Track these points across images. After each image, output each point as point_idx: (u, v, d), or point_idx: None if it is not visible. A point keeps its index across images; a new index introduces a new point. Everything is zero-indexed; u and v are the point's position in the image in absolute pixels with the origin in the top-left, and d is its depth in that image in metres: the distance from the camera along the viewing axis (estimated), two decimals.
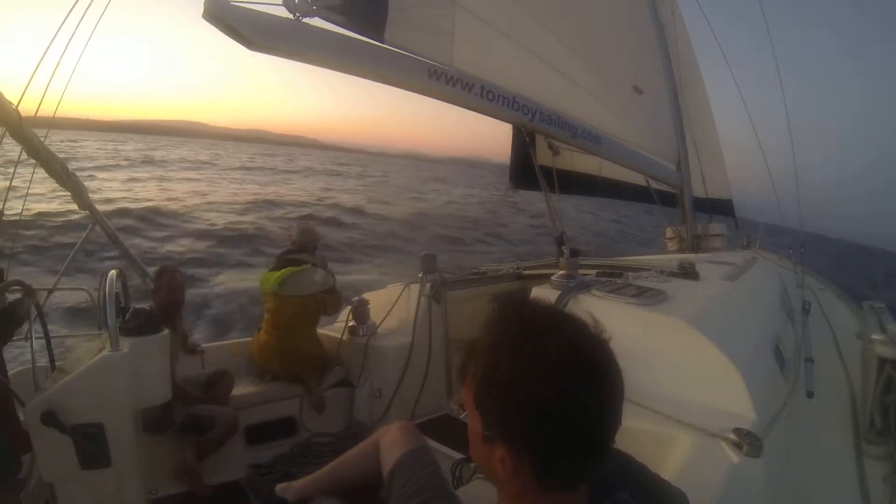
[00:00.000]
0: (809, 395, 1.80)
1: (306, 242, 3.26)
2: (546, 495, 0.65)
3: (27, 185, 2.37)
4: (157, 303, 2.54)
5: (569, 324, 0.65)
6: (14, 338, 2.13)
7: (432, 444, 1.57)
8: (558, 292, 1.85)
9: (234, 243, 12.53)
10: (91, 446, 1.78)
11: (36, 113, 2.02)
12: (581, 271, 2.11)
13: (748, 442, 1.16)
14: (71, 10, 1.85)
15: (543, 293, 1.90)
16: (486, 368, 0.63)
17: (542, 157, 3.71)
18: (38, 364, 2.19)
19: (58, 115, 2.13)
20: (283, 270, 3.02)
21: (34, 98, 1.94)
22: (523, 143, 3.72)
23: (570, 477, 0.64)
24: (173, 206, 16.65)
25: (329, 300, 3.15)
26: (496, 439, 0.63)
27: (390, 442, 1.40)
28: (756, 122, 5.10)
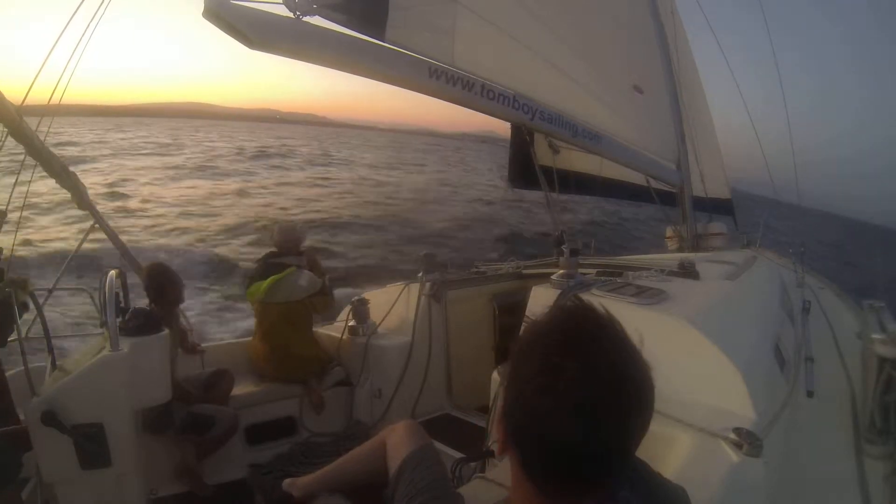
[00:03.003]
0: (809, 394, 1.80)
1: (288, 243, 3.15)
2: (538, 494, 0.66)
3: (27, 184, 2.37)
4: (154, 303, 2.53)
5: (604, 352, 0.60)
6: (10, 337, 2.12)
7: (434, 443, 1.58)
8: (558, 292, 1.85)
9: None
10: (91, 446, 1.77)
11: (49, 100, 2.01)
12: (581, 270, 2.12)
13: (748, 442, 1.16)
14: (77, 8, 1.85)
15: (543, 292, 1.90)
16: (517, 358, 0.64)
17: (542, 156, 3.71)
18: (38, 364, 2.18)
19: (62, 102, 2.13)
20: (267, 280, 2.95)
21: (39, 89, 1.94)
22: (523, 142, 3.72)
23: (550, 482, 0.64)
24: None
25: (318, 301, 3.08)
26: (501, 421, 0.66)
27: (397, 441, 1.40)
28: (756, 109, 5.08)
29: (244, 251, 11.03)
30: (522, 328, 0.69)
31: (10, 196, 2.21)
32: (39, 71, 1.86)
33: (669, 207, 4.13)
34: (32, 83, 1.87)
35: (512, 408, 0.63)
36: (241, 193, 19.36)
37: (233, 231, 13.32)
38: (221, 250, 11.26)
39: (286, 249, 3.14)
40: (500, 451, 0.67)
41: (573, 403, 0.57)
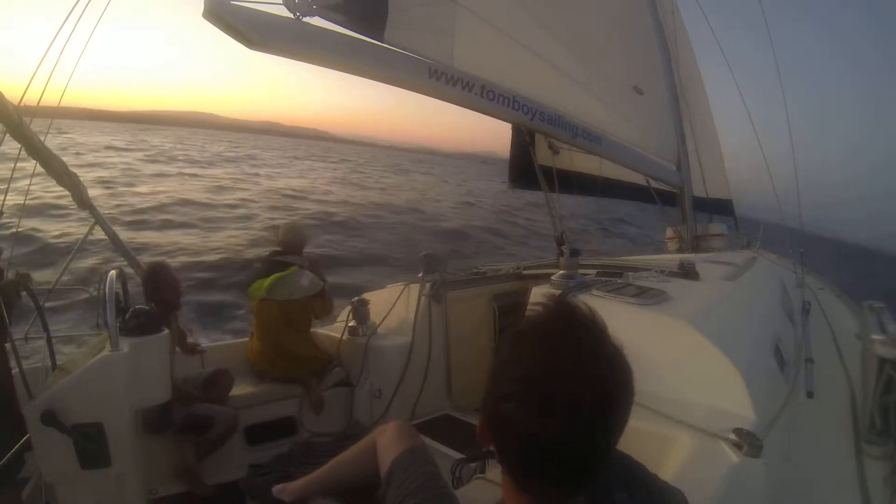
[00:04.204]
0: (809, 395, 1.80)
1: (293, 243, 3.16)
2: (517, 489, 0.66)
3: (27, 184, 2.38)
4: (155, 301, 2.52)
5: (572, 348, 0.60)
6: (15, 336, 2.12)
7: (432, 444, 1.58)
8: (558, 292, 1.85)
9: None
10: (91, 446, 1.78)
11: (39, 101, 2.01)
12: (581, 271, 2.12)
13: (748, 442, 1.16)
14: (76, 4, 1.85)
15: (543, 293, 1.90)
16: (491, 368, 0.65)
17: (542, 156, 3.71)
18: (38, 364, 2.19)
19: (67, 105, 2.12)
20: (270, 278, 2.95)
21: (37, 90, 1.94)
22: (523, 143, 3.72)
23: (523, 476, 0.65)
24: None
25: (318, 304, 3.09)
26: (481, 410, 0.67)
27: (387, 442, 1.40)
28: (756, 124, 5.09)
29: None
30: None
31: (6, 194, 2.21)
32: (38, 68, 1.86)
33: (669, 207, 4.13)
34: (30, 81, 1.87)
35: (485, 396, 0.65)
36: (103, 181, 19.56)
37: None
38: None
39: (290, 249, 3.14)
40: (479, 439, 0.68)
41: (535, 396, 0.58)
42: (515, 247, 15.86)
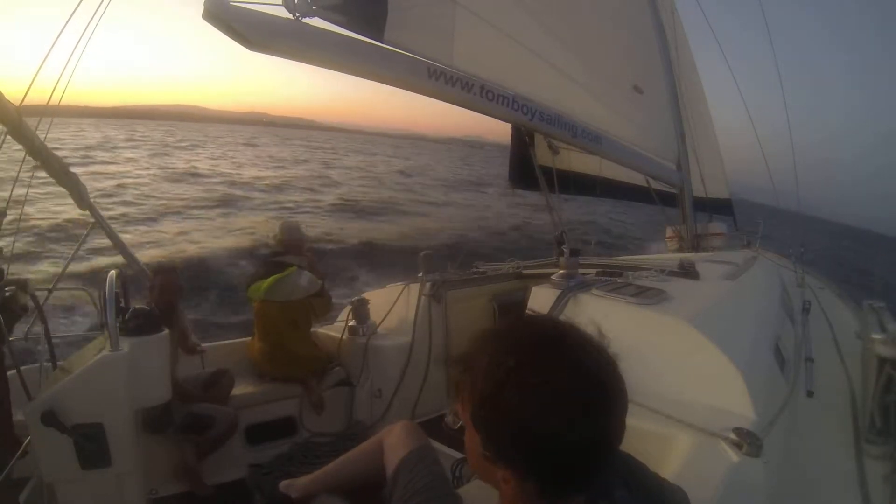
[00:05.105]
0: (809, 394, 1.80)
1: (291, 242, 3.14)
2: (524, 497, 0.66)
3: (27, 185, 2.37)
4: (153, 301, 2.54)
5: (575, 347, 0.62)
6: (12, 337, 2.12)
7: (432, 443, 1.58)
8: (558, 292, 1.85)
9: None
10: (91, 446, 1.77)
11: (48, 101, 2.02)
12: (581, 270, 2.12)
13: (748, 442, 1.17)
14: (75, 9, 1.85)
15: (544, 292, 1.90)
16: (485, 391, 0.62)
17: (542, 156, 3.71)
18: (32, 366, 2.19)
19: (64, 103, 2.14)
20: (268, 280, 2.94)
21: (37, 91, 1.95)
22: (523, 143, 3.72)
23: (575, 491, 0.65)
24: None
25: (317, 303, 3.09)
26: (497, 461, 0.64)
27: (394, 441, 1.40)
28: (753, 112, 5.08)
29: None
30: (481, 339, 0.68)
31: (10, 195, 2.21)
32: (38, 70, 1.86)
33: (669, 207, 4.13)
34: (32, 83, 1.87)
35: (490, 424, 0.63)
36: None
37: None
38: None
39: (288, 248, 3.13)
40: (513, 486, 0.64)
41: (577, 405, 0.58)
42: (385, 224, 16.31)
